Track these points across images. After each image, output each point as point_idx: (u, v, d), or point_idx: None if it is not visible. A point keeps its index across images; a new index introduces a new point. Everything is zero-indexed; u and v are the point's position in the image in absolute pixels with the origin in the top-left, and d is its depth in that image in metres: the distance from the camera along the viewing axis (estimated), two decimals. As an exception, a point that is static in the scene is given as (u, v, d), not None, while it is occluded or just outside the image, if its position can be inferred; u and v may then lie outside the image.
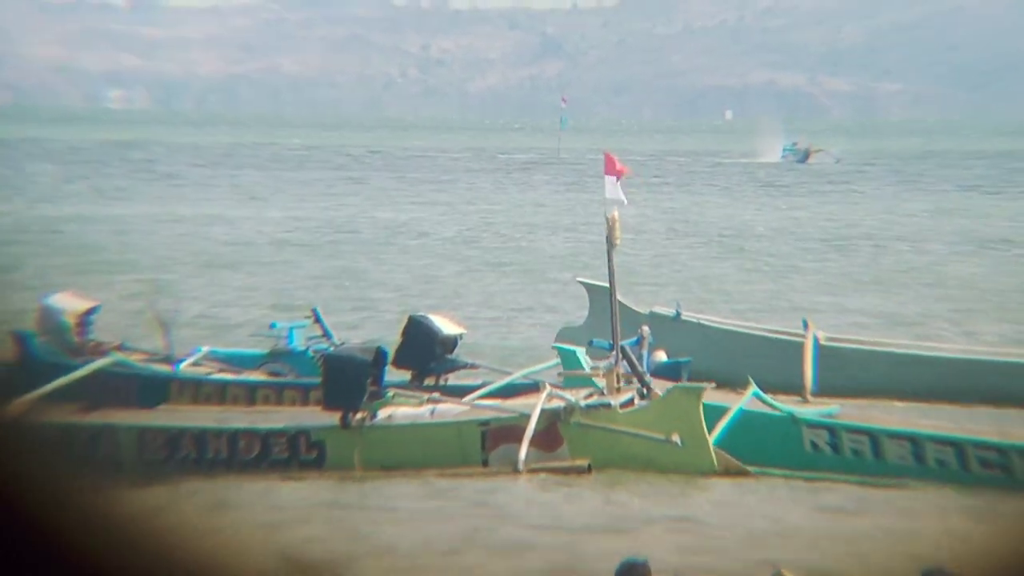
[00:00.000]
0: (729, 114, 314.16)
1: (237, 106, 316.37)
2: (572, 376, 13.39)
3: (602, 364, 13.28)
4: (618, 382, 13.05)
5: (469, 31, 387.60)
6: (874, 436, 12.12)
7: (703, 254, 31.96)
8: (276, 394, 14.50)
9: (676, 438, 12.27)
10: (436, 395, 13.37)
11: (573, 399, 12.81)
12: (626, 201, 13.73)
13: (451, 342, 14.27)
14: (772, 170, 69.35)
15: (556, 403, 12.79)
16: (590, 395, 13.00)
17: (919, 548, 8.42)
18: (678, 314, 16.51)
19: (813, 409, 12.97)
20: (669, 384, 13.03)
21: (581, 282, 16.12)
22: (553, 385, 13.13)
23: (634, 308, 16.53)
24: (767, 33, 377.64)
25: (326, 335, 15.24)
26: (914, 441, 12.01)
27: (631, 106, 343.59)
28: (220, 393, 14.57)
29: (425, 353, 14.07)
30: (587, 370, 13.50)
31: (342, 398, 12.78)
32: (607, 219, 13.12)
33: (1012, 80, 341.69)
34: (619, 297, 16.53)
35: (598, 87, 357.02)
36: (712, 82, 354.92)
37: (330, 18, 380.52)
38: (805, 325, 15.80)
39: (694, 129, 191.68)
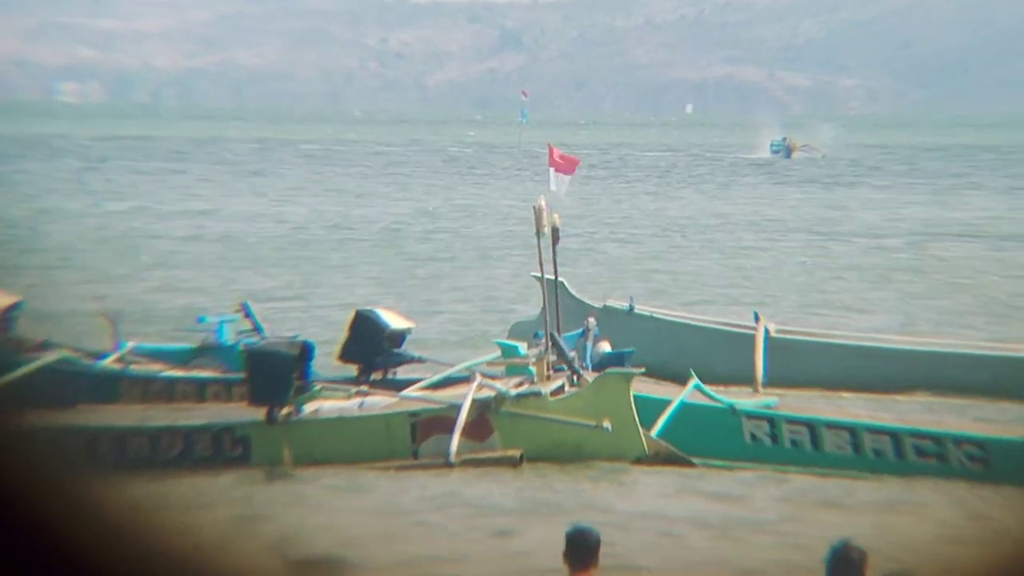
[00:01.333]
0: (690, 108, 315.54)
1: (194, 100, 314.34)
2: (506, 365, 13.37)
3: (532, 352, 13.26)
4: (548, 370, 13.04)
5: (428, 24, 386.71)
6: (813, 427, 12.23)
7: (687, 250, 31.97)
8: (226, 391, 14.34)
9: (606, 423, 12.27)
10: (364, 388, 13.24)
11: (503, 388, 12.77)
12: (564, 193, 13.73)
13: (398, 336, 14.19)
14: (762, 165, 69.89)
15: (487, 393, 12.74)
16: (521, 384, 12.96)
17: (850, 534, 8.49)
18: (631, 308, 16.60)
19: (753, 400, 13.06)
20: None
21: (534, 276, 16.19)
22: (484, 375, 13.10)
23: (588, 302, 16.61)
24: (726, 28, 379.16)
25: (256, 329, 15.03)
26: (852, 431, 12.12)
27: (591, 100, 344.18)
28: (170, 390, 14.41)
29: (371, 348, 13.97)
30: (521, 359, 13.48)
31: (267, 393, 12.61)
32: (534, 208, 13.10)
33: (964, 76, 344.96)
34: (573, 291, 16.53)
35: (558, 81, 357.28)
36: (672, 76, 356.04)
37: (289, 11, 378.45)
38: (756, 318, 15.92)
39: (658, 123, 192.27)
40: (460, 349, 17.69)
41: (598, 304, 16.74)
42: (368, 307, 14.98)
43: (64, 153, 73.23)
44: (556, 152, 13.83)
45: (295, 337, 13.56)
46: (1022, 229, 36.70)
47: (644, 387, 13.32)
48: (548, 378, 13.00)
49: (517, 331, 16.19)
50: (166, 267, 26.94)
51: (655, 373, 13.60)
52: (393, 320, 14.57)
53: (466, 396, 12.60)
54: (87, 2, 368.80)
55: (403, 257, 29.48)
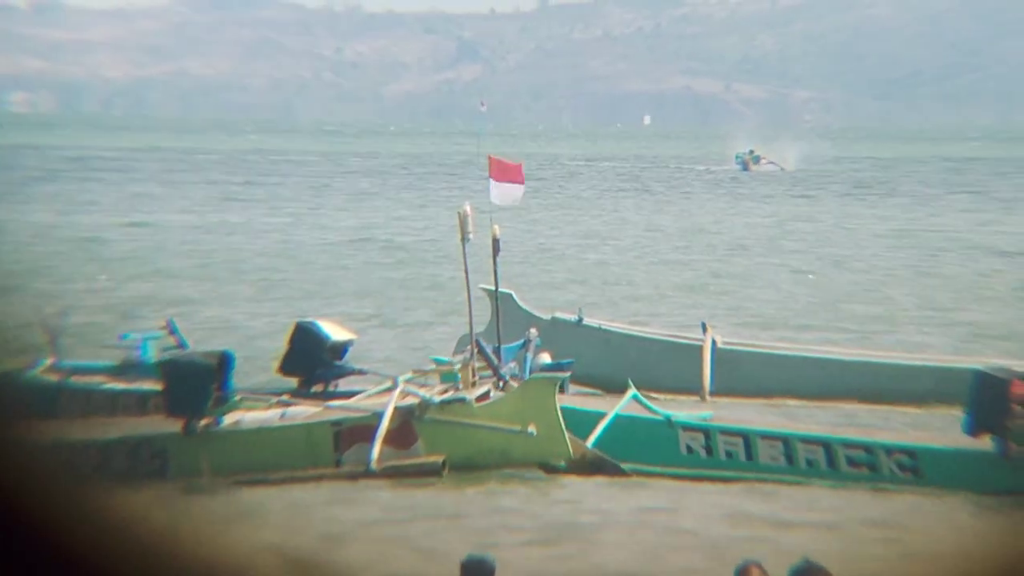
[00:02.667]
0: (648, 119, 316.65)
1: (145, 110, 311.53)
2: (435, 373, 13.27)
3: (457, 359, 13.23)
4: (474, 376, 12.92)
5: (384, 34, 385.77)
6: (747, 437, 12.29)
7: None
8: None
9: (531, 428, 12.22)
10: (286, 398, 13.06)
11: (426, 396, 12.66)
12: (512, 202, 13.59)
13: (340, 348, 13.92)
14: (721, 177, 69.93)
15: (411, 400, 12.59)
16: (446, 391, 12.86)
17: (786, 544, 8.57)
18: (580, 319, 16.52)
19: (688, 412, 13.11)
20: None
21: (483, 288, 16.10)
22: (408, 382, 12.96)
23: (537, 313, 16.56)
24: (683, 40, 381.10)
25: (181, 346, 14.59)
26: (785, 442, 12.20)
27: (550, 111, 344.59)
28: (111, 403, 14.20)
29: (312, 360, 13.72)
30: (446, 366, 13.40)
31: (184, 405, 12.41)
32: (458, 213, 12.95)
33: (915, 88, 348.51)
34: (522, 303, 16.50)
35: (516, 92, 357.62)
36: (630, 88, 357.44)
37: (240, 21, 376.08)
38: (704, 329, 15.99)
39: (618, 135, 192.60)
40: (415, 360, 17.57)
41: (547, 316, 16.63)
42: (308, 319, 14.79)
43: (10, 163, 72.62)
44: (496, 163, 13.70)
45: (230, 350, 13.26)
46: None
47: (583, 400, 13.33)
48: (474, 384, 12.90)
49: (465, 342, 16.14)
50: (108, 280, 26.60)
51: (603, 384, 13.60)
52: (334, 332, 14.29)
53: (388, 404, 12.44)
54: (33, 12, 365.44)
55: (353, 270, 29.34)
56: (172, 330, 14.71)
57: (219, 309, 22.72)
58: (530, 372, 13.83)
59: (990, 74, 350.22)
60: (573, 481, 12.10)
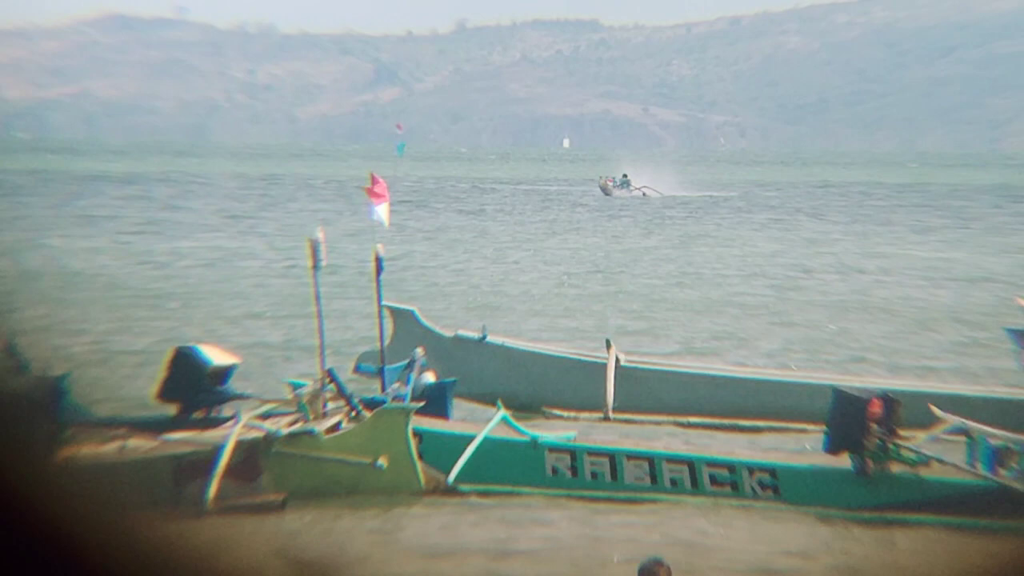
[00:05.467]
0: (567, 142, 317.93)
1: (47, 132, 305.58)
2: (278, 404, 12.96)
3: (307, 390, 12.63)
4: (323, 407, 12.41)
5: (299, 56, 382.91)
6: (613, 457, 12.39)
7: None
8: None
9: (381, 461, 11.90)
10: (123, 431, 12.46)
11: (272, 428, 12.11)
12: (380, 220, 13.54)
13: (221, 373, 13.41)
14: (576, 200, 69.48)
15: (256, 433, 12.04)
16: (295, 422, 12.33)
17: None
18: (484, 337, 16.45)
19: (553, 434, 13.17)
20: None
21: (386, 305, 15.97)
22: (260, 416, 12.43)
23: (439, 331, 16.48)
24: (601, 64, 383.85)
25: (22, 368, 14.18)
26: (650, 461, 12.35)
27: (468, 133, 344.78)
28: None
29: (191, 385, 13.23)
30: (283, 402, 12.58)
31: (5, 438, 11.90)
32: (308, 240, 12.60)
33: (824, 114, 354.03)
34: (424, 320, 16.47)
35: (434, 114, 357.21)
36: (550, 111, 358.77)
37: (146, 42, 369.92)
38: (608, 345, 16.09)
39: (536, 157, 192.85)
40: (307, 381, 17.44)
41: (450, 333, 16.40)
42: (188, 343, 14.53)
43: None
44: (376, 182, 13.72)
45: (64, 376, 12.54)
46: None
47: (453, 424, 13.29)
48: (324, 415, 12.36)
49: (365, 360, 16.05)
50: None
51: (508, 402, 13.61)
52: (215, 356, 13.86)
53: (229, 437, 11.88)
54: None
55: (256, 293, 29.13)
56: (12, 351, 14.32)
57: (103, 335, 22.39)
58: (413, 392, 13.80)
59: (894, 100, 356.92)
60: (413, 507, 11.79)
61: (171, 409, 13.55)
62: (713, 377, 15.92)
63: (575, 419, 15.44)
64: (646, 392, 15.81)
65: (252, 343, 20.72)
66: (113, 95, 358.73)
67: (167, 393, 13.46)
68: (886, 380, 16.01)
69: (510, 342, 16.39)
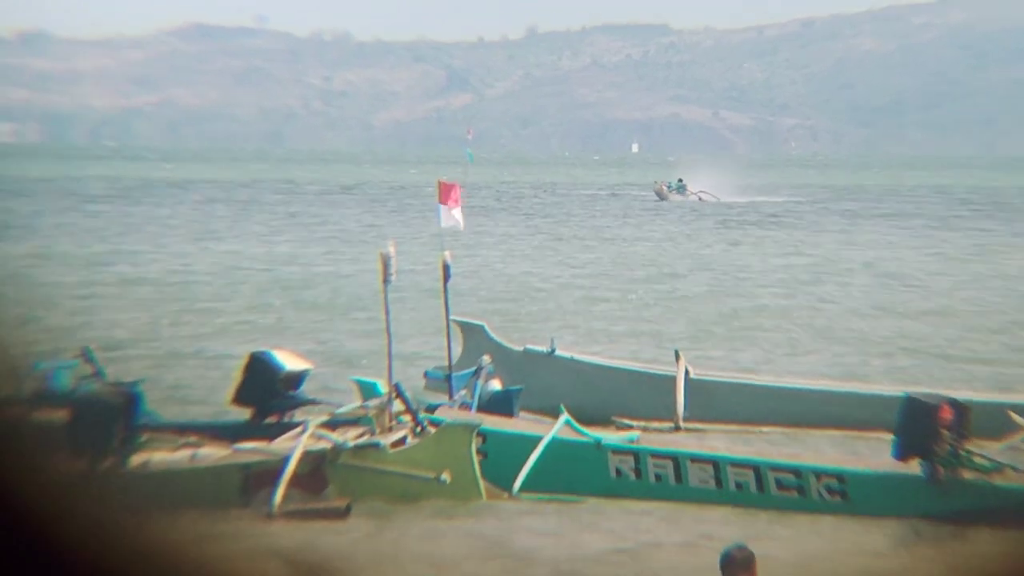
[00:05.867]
0: (636, 146, 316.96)
1: (132, 139, 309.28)
2: (351, 415, 13.05)
3: (375, 402, 12.84)
4: (391, 420, 12.58)
5: (373, 63, 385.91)
6: (676, 460, 12.38)
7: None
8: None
9: (445, 475, 12.05)
10: (194, 439, 12.71)
11: (340, 440, 12.25)
12: (463, 226, 13.60)
13: (295, 379, 13.64)
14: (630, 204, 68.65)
15: (324, 445, 12.20)
16: (361, 434, 12.46)
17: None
18: (552, 350, 16.50)
19: (616, 435, 13.18)
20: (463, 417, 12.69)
21: (455, 320, 16.09)
22: (322, 425, 12.55)
23: (508, 345, 16.57)
24: (671, 68, 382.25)
25: (98, 375, 13.90)
26: (715, 464, 12.33)
27: (538, 138, 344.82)
28: None
29: (265, 391, 13.45)
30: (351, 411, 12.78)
31: (86, 444, 11.83)
32: (380, 254, 12.69)
33: (899, 117, 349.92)
34: (493, 334, 16.58)
35: (504, 119, 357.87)
36: (619, 115, 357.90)
37: (228, 51, 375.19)
38: (677, 355, 16.11)
39: (603, 161, 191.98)
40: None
41: (519, 348, 16.37)
42: (263, 349, 14.70)
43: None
44: (444, 187, 13.78)
45: (137, 383, 12.84)
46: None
47: (515, 423, 13.34)
48: (390, 429, 12.53)
49: (434, 374, 16.19)
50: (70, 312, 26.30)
51: (576, 414, 13.68)
52: (289, 362, 13.66)
53: (295, 448, 12.05)
54: (19, 43, 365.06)
55: (328, 302, 29.23)
56: (88, 358, 13.94)
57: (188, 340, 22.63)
58: (479, 399, 13.87)
59: (972, 103, 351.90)
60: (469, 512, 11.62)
61: (245, 414, 13.73)
62: (783, 389, 15.91)
63: (645, 428, 15.43)
64: (716, 404, 15.83)
65: (331, 351, 20.84)
66: (195, 103, 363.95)
67: (241, 397, 13.65)
68: (971, 392, 15.84)
69: (579, 356, 16.44)
